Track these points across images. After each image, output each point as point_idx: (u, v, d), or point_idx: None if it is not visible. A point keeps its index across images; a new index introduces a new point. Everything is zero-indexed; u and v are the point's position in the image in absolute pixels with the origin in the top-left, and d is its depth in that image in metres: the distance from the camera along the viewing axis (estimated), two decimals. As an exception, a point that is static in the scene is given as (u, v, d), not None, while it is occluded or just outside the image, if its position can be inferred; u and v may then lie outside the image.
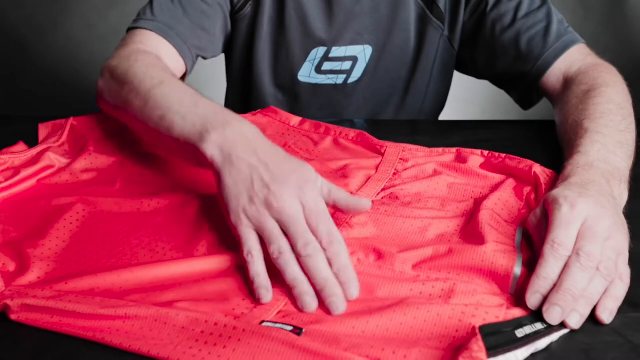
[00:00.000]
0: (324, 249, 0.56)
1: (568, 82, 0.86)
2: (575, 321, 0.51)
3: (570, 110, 0.79)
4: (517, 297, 0.54)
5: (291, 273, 0.55)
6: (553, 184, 0.67)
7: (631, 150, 0.72)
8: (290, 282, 0.55)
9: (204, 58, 1.00)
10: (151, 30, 0.88)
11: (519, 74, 0.92)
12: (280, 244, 0.57)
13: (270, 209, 0.58)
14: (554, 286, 0.52)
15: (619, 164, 0.67)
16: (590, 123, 0.73)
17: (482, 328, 0.46)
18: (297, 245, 0.56)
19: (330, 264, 0.56)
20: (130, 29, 0.91)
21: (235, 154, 0.62)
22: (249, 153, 0.62)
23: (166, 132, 0.68)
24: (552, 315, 0.50)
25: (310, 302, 0.53)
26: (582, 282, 0.52)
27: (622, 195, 0.65)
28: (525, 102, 0.97)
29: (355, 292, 0.55)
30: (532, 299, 0.52)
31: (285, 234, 0.57)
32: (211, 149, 0.63)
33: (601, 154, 0.67)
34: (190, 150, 0.65)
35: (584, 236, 0.54)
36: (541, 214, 0.60)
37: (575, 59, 0.88)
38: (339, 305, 0.53)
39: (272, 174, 0.60)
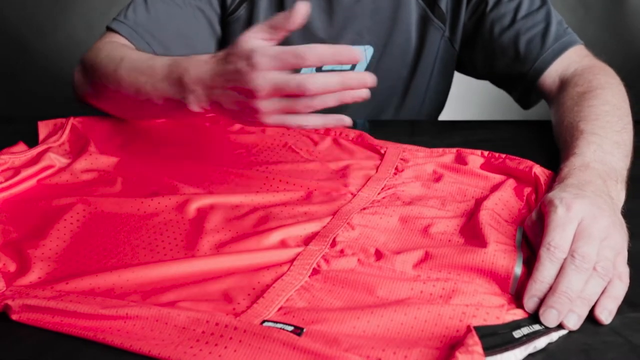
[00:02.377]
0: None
1: (564, 84, 0.87)
2: (573, 322, 0.51)
3: (566, 112, 0.79)
4: (518, 297, 0.54)
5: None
6: (551, 185, 0.67)
7: (628, 150, 0.72)
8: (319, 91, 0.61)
9: None
10: (123, 35, 0.91)
11: (517, 75, 0.93)
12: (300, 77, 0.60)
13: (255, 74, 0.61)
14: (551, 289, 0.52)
15: (615, 164, 0.67)
16: (585, 125, 0.73)
17: (478, 328, 0.46)
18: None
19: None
20: (107, 28, 0.93)
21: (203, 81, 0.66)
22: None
23: (149, 102, 0.73)
24: (548, 318, 0.50)
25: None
26: (578, 283, 0.52)
27: (620, 195, 0.65)
28: (524, 102, 0.97)
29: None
30: (529, 303, 0.52)
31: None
32: (191, 98, 0.67)
33: (597, 154, 0.67)
34: (177, 107, 0.70)
35: (579, 237, 0.54)
36: (537, 217, 0.59)
37: (572, 60, 0.88)
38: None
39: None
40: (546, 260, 0.53)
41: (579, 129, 0.73)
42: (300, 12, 0.60)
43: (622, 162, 0.68)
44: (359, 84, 0.61)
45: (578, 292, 0.52)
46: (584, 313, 0.52)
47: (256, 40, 0.62)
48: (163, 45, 0.93)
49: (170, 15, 0.94)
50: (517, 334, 0.48)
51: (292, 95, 0.61)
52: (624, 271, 0.54)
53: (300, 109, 0.62)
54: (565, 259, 0.53)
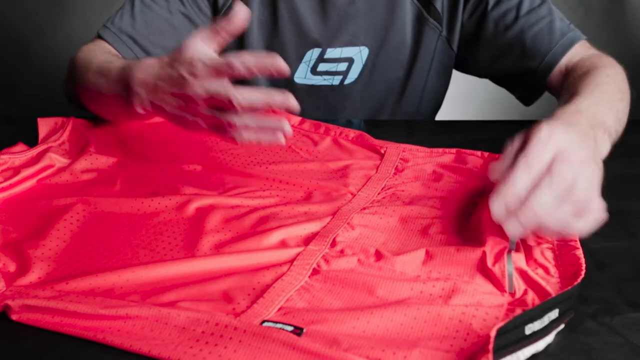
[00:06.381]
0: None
1: (568, 72, 0.88)
2: (527, 237, 0.52)
3: (568, 86, 0.80)
4: (517, 296, 0.54)
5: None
6: None
7: (620, 116, 0.73)
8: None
9: None
10: (107, 41, 0.94)
11: (524, 71, 0.93)
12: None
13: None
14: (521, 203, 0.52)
15: (606, 121, 0.68)
16: (584, 89, 0.74)
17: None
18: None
19: None
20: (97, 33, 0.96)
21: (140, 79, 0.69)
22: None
23: (107, 101, 0.78)
24: (511, 228, 0.51)
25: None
26: (549, 200, 0.52)
27: (604, 144, 0.66)
28: (528, 98, 0.97)
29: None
30: (496, 205, 0.52)
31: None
32: (135, 99, 0.69)
33: (591, 109, 0.68)
34: (126, 107, 0.72)
35: (558, 159, 0.54)
36: (520, 144, 0.57)
37: (577, 52, 0.89)
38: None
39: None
40: (521, 169, 0.53)
41: (577, 92, 0.74)
42: (240, 15, 0.61)
43: (612, 121, 0.70)
44: (282, 104, 0.61)
45: (548, 212, 0.52)
46: (548, 234, 0.52)
47: (198, 47, 0.63)
48: (145, 51, 0.95)
49: (155, 21, 0.96)
50: (528, 329, 0.47)
51: (224, 106, 0.62)
52: (598, 203, 0.54)
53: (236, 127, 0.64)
54: (541, 177, 0.53)
